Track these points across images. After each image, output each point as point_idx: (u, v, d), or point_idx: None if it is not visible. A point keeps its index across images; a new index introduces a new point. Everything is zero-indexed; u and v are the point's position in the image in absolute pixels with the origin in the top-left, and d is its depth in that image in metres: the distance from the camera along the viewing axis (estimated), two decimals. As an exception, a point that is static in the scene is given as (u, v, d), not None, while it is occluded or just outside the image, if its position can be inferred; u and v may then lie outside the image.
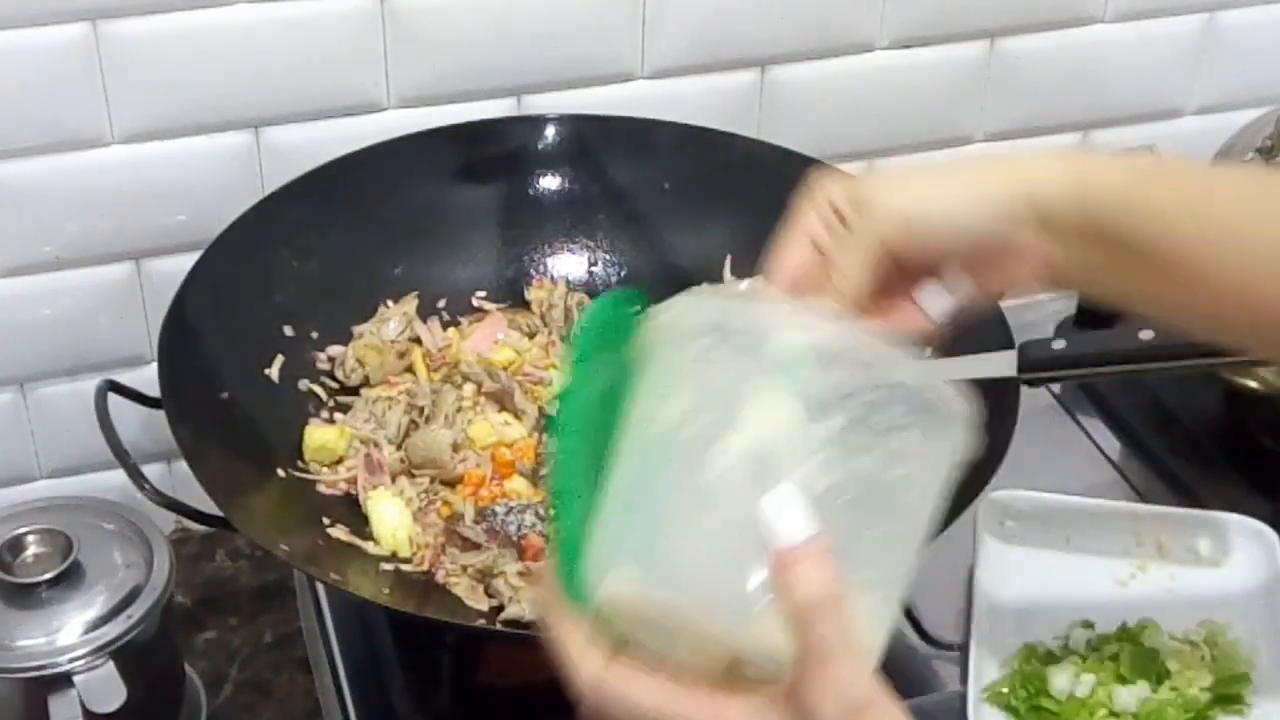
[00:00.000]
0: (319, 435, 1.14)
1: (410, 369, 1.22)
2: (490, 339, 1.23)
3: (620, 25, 1.31)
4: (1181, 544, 1.16)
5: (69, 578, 1.07)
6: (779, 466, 0.65)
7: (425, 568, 1.07)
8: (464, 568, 1.06)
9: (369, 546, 1.08)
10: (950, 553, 1.08)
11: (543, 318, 1.26)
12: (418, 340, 1.23)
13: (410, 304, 1.23)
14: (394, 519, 1.08)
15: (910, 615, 1.15)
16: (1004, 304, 1.16)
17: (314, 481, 1.12)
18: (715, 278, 1.28)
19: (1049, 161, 0.81)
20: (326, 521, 1.09)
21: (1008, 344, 1.09)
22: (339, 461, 1.14)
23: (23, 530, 1.09)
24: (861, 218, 0.80)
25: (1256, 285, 0.77)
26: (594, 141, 1.29)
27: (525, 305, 1.28)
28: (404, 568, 1.07)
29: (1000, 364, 1.05)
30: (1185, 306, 0.80)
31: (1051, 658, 1.08)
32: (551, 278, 1.29)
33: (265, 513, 1.05)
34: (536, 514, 1.08)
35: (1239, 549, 1.15)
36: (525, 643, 1.05)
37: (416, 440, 1.14)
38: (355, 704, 1.09)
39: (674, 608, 0.65)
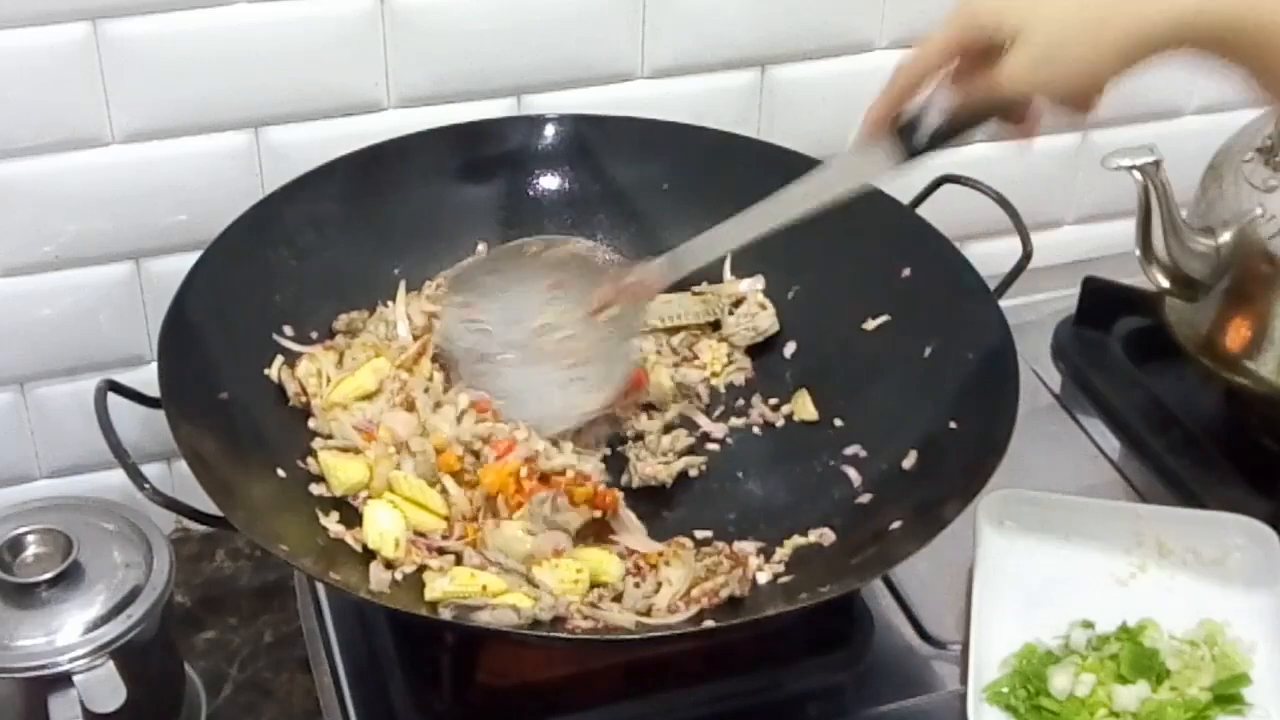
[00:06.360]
0: (343, 468, 1.11)
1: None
2: (490, 339, 1.23)
3: (620, 25, 1.31)
4: (1181, 544, 1.16)
5: (69, 578, 1.07)
6: None
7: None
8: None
9: (369, 546, 1.08)
10: (950, 553, 1.08)
11: (543, 317, 1.26)
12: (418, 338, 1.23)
13: (402, 297, 1.23)
14: (386, 522, 1.08)
15: (910, 615, 1.15)
16: (1003, 303, 1.16)
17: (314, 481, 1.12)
18: (715, 278, 1.28)
19: None
20: (326, 522, 1.09)
21: (1002, 335, 1.09)
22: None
23: (23, 530, 1.09)
24: None
25: None
26: (594, 141, 1.29)
27: (525, 305, 1.28)
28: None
29: (876, 161, 1.06)
30: None
31: (1051, 657, 1.07)
32: (551, 278, 1.29)
33: (265, 513, 1.05)
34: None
35: (1239, 549, 1.15)
36: (525, 643, 1.05)
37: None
38: (355, 704, 1.08)
39: None
